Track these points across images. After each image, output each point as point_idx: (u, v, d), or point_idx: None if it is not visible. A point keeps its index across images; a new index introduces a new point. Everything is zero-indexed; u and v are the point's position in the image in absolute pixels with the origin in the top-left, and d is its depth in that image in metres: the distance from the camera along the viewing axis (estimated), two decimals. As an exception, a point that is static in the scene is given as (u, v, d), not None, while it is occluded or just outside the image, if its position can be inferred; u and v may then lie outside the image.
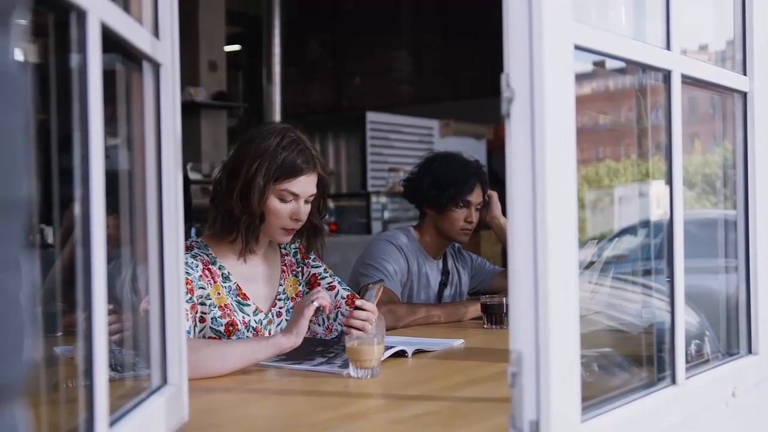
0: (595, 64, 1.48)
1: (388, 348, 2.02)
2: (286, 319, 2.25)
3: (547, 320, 1.13)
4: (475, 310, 2.77)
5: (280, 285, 2.30)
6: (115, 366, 1.28)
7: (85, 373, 1.00)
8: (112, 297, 1.05)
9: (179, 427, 1.36)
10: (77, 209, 0.97)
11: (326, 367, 1.92)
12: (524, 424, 1.15)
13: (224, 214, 2.16)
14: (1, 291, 0.52)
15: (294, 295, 2.31)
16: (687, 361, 1.52)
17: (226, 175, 2.17)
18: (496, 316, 2.60)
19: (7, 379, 0.54)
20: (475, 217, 2.96)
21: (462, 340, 2.33)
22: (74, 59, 0.98)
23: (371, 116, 7.96)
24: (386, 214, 7.43)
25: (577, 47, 1.22)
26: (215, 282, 2.15)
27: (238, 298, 2.18)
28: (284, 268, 2.33)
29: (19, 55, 0.59)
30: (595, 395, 1.32)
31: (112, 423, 1.06)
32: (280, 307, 2.27)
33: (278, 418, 1.58)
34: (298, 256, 2.37)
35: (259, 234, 2.19)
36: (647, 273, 1.91)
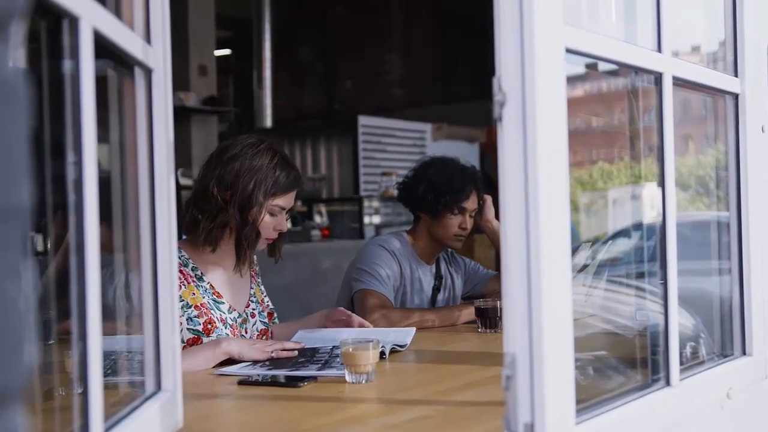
0: (588, 66, 1.48)
1: None
2: (260, 320, 2.38)
3: (540, 322, 1.13)
4: (468, 313, 2.77)
5: (251, 288, 2.40)
6: (106, 372, 1.27)
7: (77, 380, 0.99)
8: (105, 305, 1.04)
9: (173, 433, 1.35)
10: (71, 216, 0.96)
11: (328, 371, 1.91)
12: (519, 427, 1.15)
13: (219, 227, 2.21)
14: (1, 297, 0.53)
15: (260, 300, 2.42)
16: (682, 363, 1.53)
17: (216, 185, 2.20)
18: (490, 319, 2.60)
19: (7, 384, 0.54)
20: (469, 223, 2.96)
21: (413, 330, 2.39)
22: (66, 65, 0.98)
23: (363, 120, 7.94)
24: (379, 219, 7.42)
25: (569, 50, 1.23)
26: (189, 283, 2.21)
27: (214, 296, 2.25)
28: (253, 274, 2.43)
29: (18, 63, 0.59)
30: (589, 397, 1.32)
31: (107, 430, 1.06)
32: (253, 309, 2.38)
33: (273, 424, 1.58)
34: (257, 269, 2.48)
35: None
36: (641, 275, 1.92)
